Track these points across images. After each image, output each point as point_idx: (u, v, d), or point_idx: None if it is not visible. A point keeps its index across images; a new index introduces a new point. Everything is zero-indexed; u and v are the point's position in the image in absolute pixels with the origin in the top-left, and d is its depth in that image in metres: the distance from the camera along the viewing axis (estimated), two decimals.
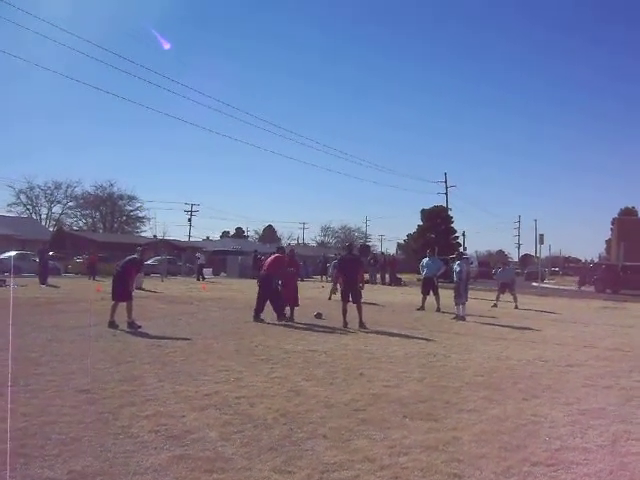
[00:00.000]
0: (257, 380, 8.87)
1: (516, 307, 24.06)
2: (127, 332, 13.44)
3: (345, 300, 16.21)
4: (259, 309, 16.92)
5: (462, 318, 18.49)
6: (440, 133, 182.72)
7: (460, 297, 19.02)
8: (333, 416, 6.98)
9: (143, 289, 28.98)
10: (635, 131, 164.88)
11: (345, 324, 15.83)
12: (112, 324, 14.10)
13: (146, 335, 13.08)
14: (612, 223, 72.80)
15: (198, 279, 37.69)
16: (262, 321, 16.58)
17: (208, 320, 16.58)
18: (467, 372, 9.93)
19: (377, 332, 15.00)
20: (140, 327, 13.95)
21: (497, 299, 25.28)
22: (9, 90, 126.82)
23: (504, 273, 27.49)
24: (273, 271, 17.07)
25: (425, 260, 21.33)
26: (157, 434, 6.10)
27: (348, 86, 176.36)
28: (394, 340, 13.62)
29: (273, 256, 17.82)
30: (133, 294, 14.99)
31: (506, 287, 26.04)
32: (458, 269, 19.27)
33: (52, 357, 10.16)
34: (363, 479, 5.00)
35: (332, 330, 15.20)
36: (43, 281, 29.96)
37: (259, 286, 17.29)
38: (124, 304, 14.37)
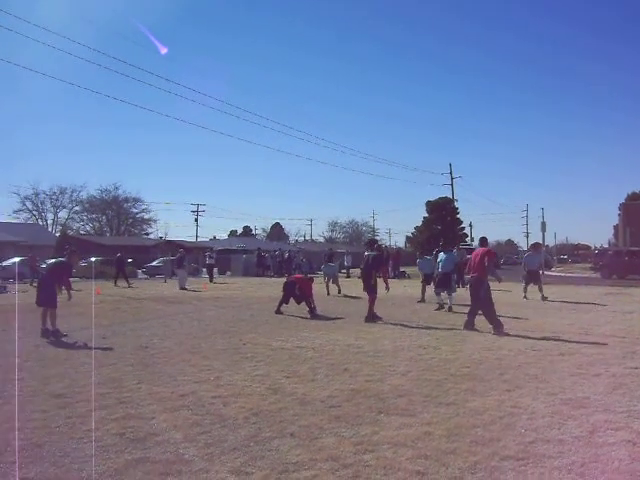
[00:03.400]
0: (237, 379, 8.72)
1: (545, 298, 21.82)
2: (117, 335, 13.28)
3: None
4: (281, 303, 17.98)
5: (450, 308, 18.33)
6: (445, 125, 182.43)
7: (450, 288, 18.93)
8: (306, 413, 6.82)
9: (186, 289, 29.09)
10: None
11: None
12: (45, 332, 13.07)
13: (136, 337, 12.94)
14: (619, 209, 72.19)
15: (211, 280, 37.52)
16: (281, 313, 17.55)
17: (203, 320, 16.42)
18: (454, 364, 9.73)
19: (371, 326, 14.82)
20: (66, 335, 13.03)
21: (525, 290, 22.84)
22: (10, 96, 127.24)
23: (532, 258, 23.94)
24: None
25: (441, 255, 20.40)
26: (122, 437, 5.97)
27: (352, 81, 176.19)
28: (387, 333, 13.44)
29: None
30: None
31: (534, 275, 23.29)
32: (444, 259, 19.01)
33: (36, 362, 10.06)
34: (322, 479, 4.83)
35: (326, 325, 15.03)
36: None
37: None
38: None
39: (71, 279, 14.61)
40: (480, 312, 13.71)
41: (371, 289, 16.09)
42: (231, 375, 8.98)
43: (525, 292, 22.69)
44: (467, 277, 13.87)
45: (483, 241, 14.94)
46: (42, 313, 13.33)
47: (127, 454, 5.47)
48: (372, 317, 15.64)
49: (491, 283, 13.91)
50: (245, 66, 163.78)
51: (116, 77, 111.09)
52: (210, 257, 42.06)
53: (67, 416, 6.75)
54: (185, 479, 4.86)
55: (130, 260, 45.64)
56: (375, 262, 16.53)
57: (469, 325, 13.71)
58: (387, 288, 17.27)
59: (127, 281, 33.98)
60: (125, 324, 15.35)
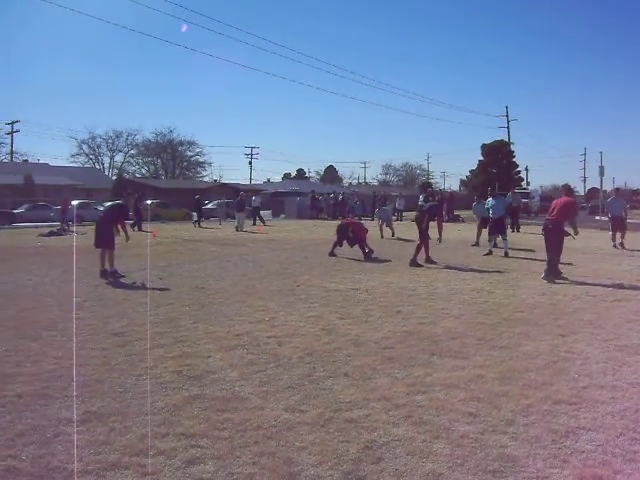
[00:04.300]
0: (291, 319, 8.85)
1: (622, 246, 20.62)
2: (173, 276, 13.54)
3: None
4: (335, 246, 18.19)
5: (505, 253, 18.10)
6: (501, 64, 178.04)
7: (504, 232, 18.71)
8: (359, 354, 6.92)
9: (245, 231, 29.82)
10: None
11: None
12: (103, 273, 13.30)
13: (191, 278, 13.18)
14: None
15: (254, 223, 37.71)
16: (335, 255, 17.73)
17: (257, 261, 16.63)
18: (508, 308, 9.70)
19: (425, 269, 14.83)
20: (124, 276, 13.30)
21: (613, 239, 21.25)
22: (68, 41, 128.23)
23: (616, 204, 22.09)
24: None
25: (490, 201, 20.11)
26: (179, 374, 6.16)
27: (405, 24, 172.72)
28: (440, 277, 13.44)
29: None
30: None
31: (619, 222, 21.30)
32: (494, 204, 18.82)
33: (95, 302, 10.34)
34: (374, 418, 4.93)
35: (379, 268, 15.08)
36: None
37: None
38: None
39: (127, 221, 14.87)
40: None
41: (422, 234, 16.03)
42: (285, 316, 9.12)
43: (614, 240, 21.27)
44: (544, 221, 13.53)
45: (568, 190, 14.63)
46: (100, 255, 13.58)
47: (184, 391, 5.65)
48: (415, 261, 15.60)
49: None
50: (303, 9, 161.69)
51: (170, 20, 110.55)
52: (253, 200, 42.22)
53: (126, 354, 6.97)
54: (241, 416, 4.99)
55: (207, 202, 46.61)
56: (431, 211, 16.49)
57: (553, 275, 13.05)
58: (439, 239, 17.20)
59: (199, 223, 36.25)
60: (181, 265, 15.63)
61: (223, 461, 4.17)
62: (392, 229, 25.76)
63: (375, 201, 47.28)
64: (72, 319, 8.52)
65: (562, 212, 13.08)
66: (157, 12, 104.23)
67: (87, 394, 5.52)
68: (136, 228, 29.73)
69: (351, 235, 17.81)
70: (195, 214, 38.62)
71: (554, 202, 13.86)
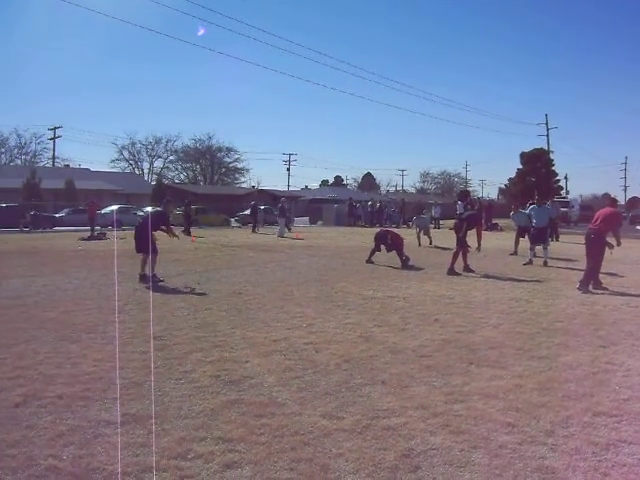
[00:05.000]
0: (329, 326, 8.85)
1: None
2: (211, 281, 13.62)
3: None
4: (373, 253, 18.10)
5: (545, 262, 17.88)
6: (541, 72, 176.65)
7: (545, 242, 18.51)
8: (397, 362, 6.89)
9: (284, 237, 30.12)
10: None
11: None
12: (142, 277, 13.40)
13: (229, 283, 13.25)
14: None
15: (255, 230, 37.80)
16: (372, 263, 17.60)
17: (294, 268, 16.67)
18: (547, 318, 9.60)
19: (462, 277, 14.75)
20: (162, 281, 13.40)
21: None
22: (110, 50, 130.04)
23: None
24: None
25: (533, 208, 19.83)
26: (217, 379, 6.19)
27: (444, 32, 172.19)
28: (478, 285, 13.36)
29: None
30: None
31: None
32: (537, 213, 18.63)
33: (134, 305, 10.45)
34: (412, 426, 4.91)
35: (416, 276, 15.02)
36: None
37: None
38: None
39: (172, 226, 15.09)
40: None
41: (460, 242, 15.94)
42: (323, 322, 9.12)
43: None
44: (587, 230, 13.36)
45: (613, 201, 14.50)
46: (142, 259, 13.71)
47: (222, 395, 5.68)
48: (453, 270, 15.51)
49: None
50: (342, 17, 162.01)
51: (210, 28, 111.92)
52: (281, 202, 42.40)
53: (165, 357, 7.04)
54: (278, 421, 5.01)
55: (263, 207, 47.03)
56: (470, 219, 16.39)
57: (594, 284, 12.92)
58: (478, 248, 17.09)
59: (255, 228, 36.71)
60: (219, 271, 15.72)
61: (260, 466, 4.19)
62: (429, 237, 25.68)
63: (404, 209, 47.28)
64: (112, 322, 8.64)
65: (606, 223, 12.92)
66: (203, 21, 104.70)
67: (126, 396, 5.58)
68: (184, 233, 30.13)
69: (389, 242, 17.76)
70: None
71: (598, 212, 13.69)
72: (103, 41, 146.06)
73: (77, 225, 38.84)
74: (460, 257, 15.81)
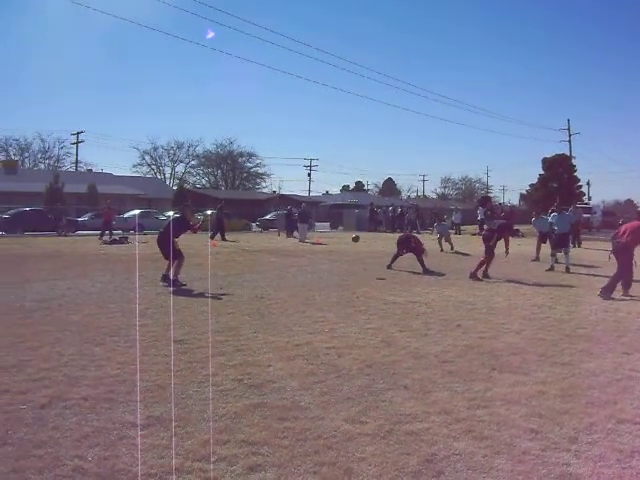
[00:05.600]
0: (351, 331, 8.87)
1: None
2: (233, 286, 13.66)
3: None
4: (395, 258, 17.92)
5: (567, 268, 17.80)
6: (564, 78, 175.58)
7: (567, 247, 18.43)
8: (419, 367, 6.89)
9: (305, 242, 30.44)
10: None
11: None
12: (165, 278, 13.61)
13: (251, 288, 13.29)
14: None
15: (289, 235, 37.77)
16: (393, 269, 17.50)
17: (316, 272, 16.70)
18: (569, 324, 9.56)
19: (484, 283, 14.71)
20: (185, 285, 13.44)
21: None
22: (131, 55, 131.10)
23: None
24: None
25: (554, 215, 19.77)
26: (240, 383, 6.22)
27: (466, 35, 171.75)
28: (500, 291, 13.32)
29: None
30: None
31: None
32: (559, 219, 18.59)
33: (157, 309, 10.50)
34: (435, 431, 4.91)
35: (438, 281, 15.00)
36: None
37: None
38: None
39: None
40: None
41: (488, 249, 15.94)
42: (345, 327, 9.14)
43: None
44: (614, 242, 13.27)
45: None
46: (168, 262, 13.81)
47: (245, 399, 5.71)
48: (475, 275, 15.50)
49: None
50: (361, 19, 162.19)
51: (229, 33, 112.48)
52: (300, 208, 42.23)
53: (188, 361, 7.08)
54: (301, 425, 5.03)
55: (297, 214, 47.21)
56: (502, 230, 16.42)
57: (624, 291, 12.95)
58: (507, 252, 17.15)
59: (290, 233, 36.67)
60: (241, 275, 15.77)
61: (284, 469, 4.21)
62: (450, 243, 25.72)
63: (418, 214, 47.20)
64: (135, 325, 8.71)
65: (634, 236, 12.84)
66: (223, 26, 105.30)
67: (150, 399, 5.63)
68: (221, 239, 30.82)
69: (413, 246, 17.76)
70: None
71: (625, 225, 13.59)
72: (125, 46, 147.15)
73: (100, 229, 39.11)
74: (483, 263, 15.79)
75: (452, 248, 25.37)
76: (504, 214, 24.05)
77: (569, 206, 27.80)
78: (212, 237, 30.09)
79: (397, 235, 21.35)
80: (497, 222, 16.50)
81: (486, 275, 15.76)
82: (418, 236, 21.42)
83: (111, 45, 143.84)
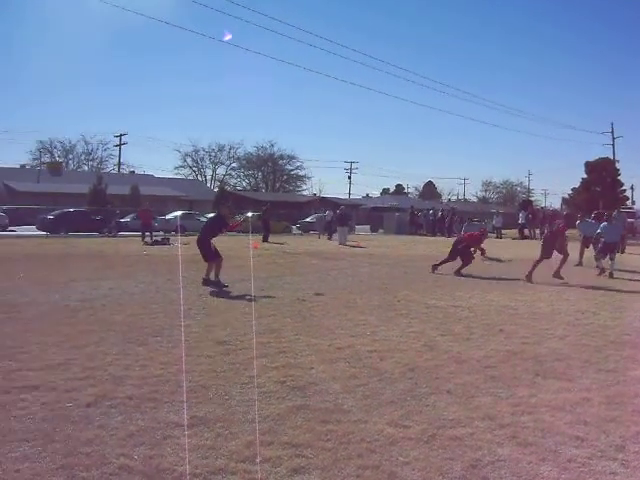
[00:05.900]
0: (392, 334, 8.84)
1: None
2: (274, 288, 13.71)
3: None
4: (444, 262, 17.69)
5: (611, 274, 17.55)
6: (607, 81, 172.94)
7: (613, 253, 18.18)
8: (462, 372, 6.86)
9: (345, 245, 30.56)
10: None
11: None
12: (205, 282, 13.75)
13: (293, 290, 13.33)
14: None
15: (329, 237, 37.66)
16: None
17: (356, 276, 16.70)
18: (614, 330, 9.41)
19: (527, 288, 14.56)
20: (227, 286, 13.58)
21: None
22: (173, 60, 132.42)
23: None
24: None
25: (604, 226, 19.43)
26: (282, 385, 6.25)
27: (507, 38, 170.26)
28: (543, 296, 13.16)
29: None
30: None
31: None
32: (609, 230, 18.43)
33: (199, 310, 10.60)
34: (479, 437, 4.88)
35: (480, 285, 14.88)
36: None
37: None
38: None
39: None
40: None
41: (546, 252, 16.12)
42: (386, 331, 9.12)
43: None
44: None
45: None
46: (208, 265, 14.02)
47: (288, 401, 5.74)
48: (531, 277, 15.48)
49: None
50: (404, 22, 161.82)
51: (272, 36, 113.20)
52: (327, 215, 41.99)
53: (231, 362, 7.13)
54: (344, 428, 5.03)
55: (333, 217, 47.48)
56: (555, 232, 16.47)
57: None
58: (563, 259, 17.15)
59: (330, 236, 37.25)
60: (282, 277, 15.84)
61: (327, 472, 4.22)
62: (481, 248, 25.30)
63: (453, 218, 46.82)
64: (177, 326, 8.81)
65: None
66: (264, 29, 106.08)
67: (194, 399, 5.69)
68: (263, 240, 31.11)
69: (472, 249, 17.88)
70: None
71: None
72: (166, 51, 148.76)
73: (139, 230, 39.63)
74: (557, 264, 16.10)
75: (482, 253, 24.83)
76: (541, 215, 23.85)
77: (613, 210, 27.41)
78: (264, 239, 30.53)
79: (437, 239, 21.19)
80: (559, 222, 16.50)
81: (529, 278, 15.65)
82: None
83: (156, 47, 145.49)
